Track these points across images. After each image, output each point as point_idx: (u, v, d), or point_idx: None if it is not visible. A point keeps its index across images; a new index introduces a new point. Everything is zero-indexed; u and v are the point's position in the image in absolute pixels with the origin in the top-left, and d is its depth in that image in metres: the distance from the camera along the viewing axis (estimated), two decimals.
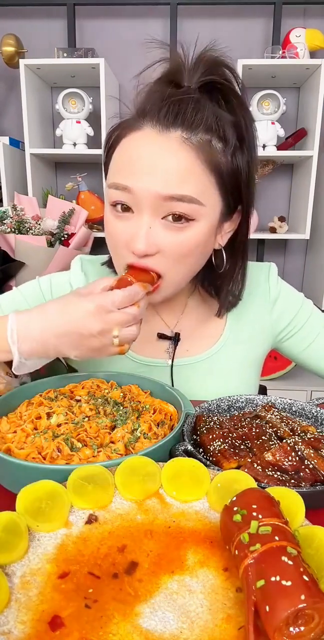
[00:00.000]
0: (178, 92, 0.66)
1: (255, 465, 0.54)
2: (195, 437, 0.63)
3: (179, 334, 0.86)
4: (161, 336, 0.86)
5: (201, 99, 0.66)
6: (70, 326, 0.61)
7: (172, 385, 0.85)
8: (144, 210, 0.65)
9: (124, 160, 0.66)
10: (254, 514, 0.38)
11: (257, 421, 0.65)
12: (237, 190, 0.70)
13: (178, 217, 0.65)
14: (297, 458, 0.55)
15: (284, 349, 0.93)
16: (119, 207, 0.67)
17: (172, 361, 0.86)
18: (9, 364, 0.73)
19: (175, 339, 0.86)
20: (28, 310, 0.65)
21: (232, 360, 0.87)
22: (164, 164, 0.63)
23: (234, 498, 0.41)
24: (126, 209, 0.67)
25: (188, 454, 0.56)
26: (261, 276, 0.89)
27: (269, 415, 0.66)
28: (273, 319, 0.89)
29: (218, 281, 0.80)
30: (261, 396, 0.75)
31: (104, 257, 0.90)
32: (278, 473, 0.53)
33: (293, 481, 0.52)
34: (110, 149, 0.71)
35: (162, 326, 0.87)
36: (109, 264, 0.88)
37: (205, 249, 0.71)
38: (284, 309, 0.89)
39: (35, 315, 0.63)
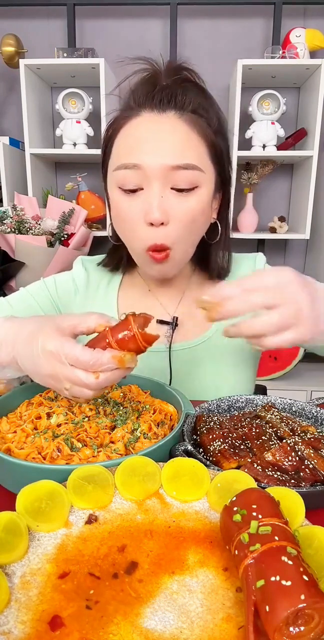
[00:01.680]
0: (165, 84, 0.74)
1: (255, 465, 0.54)
2: (195, 437, 0.63)
3: (177, 317, 0.89)
4: (160, 322, 0.89)
5: (185, 87, 0.75)
6: (31, 357, 0.57)
7: (170, 370, 0.88)
8: (153, 182, 0.72)
9: (128, 143, 0.74)
10: (254, 514, 0.38)
11: (257, 421, 0.65)
12: (223, 164, 0.79)
13: (185, 186, 0.73)
14: (297, 458, 0.55)
15: None
16: (129, 186, 0.73)
17: (170, 346, 0.88)
18: None
19: (173, 323, 0.89)
20: (13, 320, 0.63)
21: (228, 346, 0.89)
22: (166, 138, 0.72)
23: (234, 498, 0.41)
24: (134, 190, 0.74)
25: (188, 454, 0.56)
26: (249, 265, 0.94)
27: (269, 415, 0.66)
28: None
29: (209, 251, 0.88)
30: (261, 396, 0.75)
31: (101, 257, 0.96)
32: (278, 473, 0.53)
33: (293, 481, 0.52)
34: (109, 141, 0.78)
35: (161, 312, 0.90)
36: (106, 263, 0.94)
37: (206, 217, 0.79)
38: None
39: (16, 328, 0.61)
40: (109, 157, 0.78)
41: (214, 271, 0.89)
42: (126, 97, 0.77)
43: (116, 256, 0.92)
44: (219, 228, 0.84)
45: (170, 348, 0.88)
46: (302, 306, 0.54)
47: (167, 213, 0.72)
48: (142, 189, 0.73)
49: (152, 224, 0.72)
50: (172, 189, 0.73)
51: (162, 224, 0.72)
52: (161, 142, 0.71)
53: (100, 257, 0.97)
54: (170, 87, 0.73)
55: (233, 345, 0.90)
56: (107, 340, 0.54)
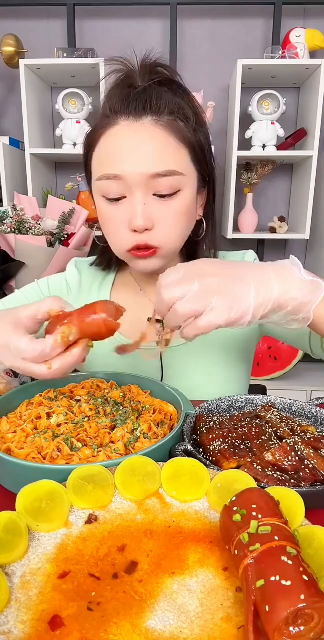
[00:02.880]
0: (140, 88, 0.74)
1: (255, 465, 0.54)
2: (195, 437, 0.63)
3: None
4: (151, 319, 0.88)
5: (160, 90, 0.75)
6: (2, 347, 0.58)
7: (162, 368, 0.88)
8: (136, 191, 0.73)
9: (108, 154, 0.74)
10: (254, 514, 0.38)
11: (257, 421, 0.65)
12: (205, 162, 0.80)
13: (166, 192, 0.73)
14: (297, 458, 0.55)
15: (269, 326, 0.93)
16: (112, 196, 0.74)
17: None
18: None
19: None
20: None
21: (218, 342, 0.90)
22: (144, 147, 0.72)
23: (234, 498, 0.41)
24: (117, 199, 0.75)
25: (188, 454, 0.56)
26: (237, 260, 0.94)
27: (269, 415, 0.66)
28: None
29: (196, 248, 0.88)
30: (261, 396, 0.75)
31: (94, 258, 0.98)
32: (278, 473, 0.53)
33: (293, 481, 0.52)
34: (89, 150, 0.79)
35: (153, 311, 0.89)
36: (98, 262, 0.96)
37: (191, 216, 0.80)
38: None
39: None
40: (91, 165, 0.79)
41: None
42: (104, 103, 0.77)
43: (106, 256, 0.94)
44: (204, 225, 0.85)
45: None
46: (210, 291, 0.52)
47: (151, 219, 0.74)
48: (125, 197, 0.74)
49: (136, 231, 0.74)
50: (154, 195, 0.74)
51: (147, 229, 0.74)
52: (139, 151, 0.72)
53: (94, 258, 0.98)
54: (145, 92, 0.73)
55: (224, 343, 0.90)
56: (72, 323, 0.54)
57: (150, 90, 0.74)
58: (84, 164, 0.82)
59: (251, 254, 0.96)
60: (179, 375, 0.88)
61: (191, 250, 0.89)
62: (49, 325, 0.57)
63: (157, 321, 0.89)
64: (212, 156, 0.82)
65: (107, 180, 0.74)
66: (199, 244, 0.88)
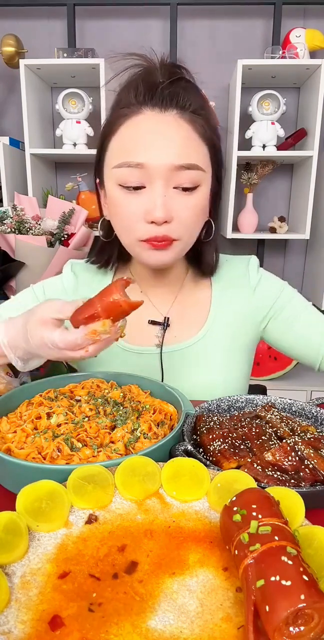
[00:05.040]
0: (167, 82, 0.73)
1: (255, 465, 0.54)
2: (195, 437, 0.63)
3: (168, 318, 0.89)
4: (152, 322, 0.89)
5: (186, 86, 0.75)
6: (37, 347, 0.63)
7: (162, 372, 0.88)
8: (157, 181, 0.72)
9: (130, 141, 0.73)
10: (254, 514, 0.38)
11: (257, 421, 0.65)
12: (219, 163, 0.80)
13: (188, 186, 0.73)
14: (297, 458, 0.55)
15: (269, 334, 0.94)
16: (131, 184, 0.73)
17: (161, 348, 0.88)
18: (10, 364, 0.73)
19: (165, 324, 0.88)
20: (12, 320, 0.68)
21: (218, 347, 0.89)
22: (170, 137, 0.72)
23: (234, 498, 0.41)
24: (136, 187, 0.73)
25: (188, 454, 0.56)
26: (242, 266, 0.93)
27: (269, 415, 0.66)
28: (254, 304, 0.91)
29: (201, 250, 0.88)
30: (261, 396, 0.75)
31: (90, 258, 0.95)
32: (278, 473, 0.53)
33: (293, 481, 0.52)
34: (107, 136, 0.77)
35: (153, 313, 0.90)
36: (94, 260, 0.93)
37: (205, 215, 0.80)
38: (265, 294, 0.91)
39: (18, 326, 0.66)
40: (106, 152, 0.77)
41: (207, 269, 0.90)
42: (123, 93, 0.76)
43: (105, 254, 0.91)
44: (213, 226, 0.84)
45: (161, 348, 0.88)
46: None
47: (170, 211, 0.73)
48: (144, 187, 0.73)
49: (153, 222, 0.73)
50: (175, 187, 0.73)
51: (165, 222, 0.73)
52: (165, 141, 0.71)
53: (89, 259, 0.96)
54: (172, 86, 0.73)
55: (224, 346, 0.90)
56: (96, 309, 0.57)
57: (176, 86, 0.73)
58: (97, 152, 0.80)
59: (254, 260, 0.94)
60: (178, 380, 0.87)
61: (195, 252, 0.88)
62: (74, 315, 0.59)
63: (156, 323, 0.89)
64: (223, 163, 0.82)
65: (127, 168, 0.72)
66: (205, 246, 0.87)
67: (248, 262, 0.94)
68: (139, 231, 0.75)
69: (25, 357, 0.67)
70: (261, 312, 0.91)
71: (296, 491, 0.45)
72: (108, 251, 0.90)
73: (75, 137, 2.10)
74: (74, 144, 2.13)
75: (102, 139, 0.79)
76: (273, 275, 0.95)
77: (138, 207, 0.74)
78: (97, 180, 0.84)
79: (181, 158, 0.71)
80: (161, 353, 0.88)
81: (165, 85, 0.73)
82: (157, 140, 0.71)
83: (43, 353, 0.63)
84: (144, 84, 0.74)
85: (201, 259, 0.89)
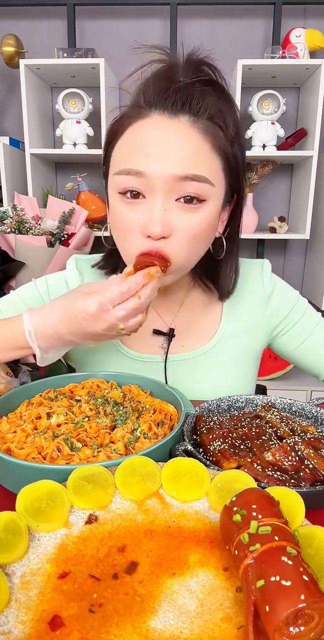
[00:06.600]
0: (181, 83, 0.68)
1: (255, 465, 0.54)
2: (195, 437, 0.63)
3: (173, 329, 0.87)
4: (156, 332, 0.87)
5: (203, 90, 0.68)
6: (77, 325, 0.64)
7: (166, 382, 0.85)
8: (157, 193, 0.66)
9: (134, 147, 0.67)
10: (254, 514, 0.38)
11: (257, 421, 0.65)
12: (236, 176, 0.73)
13: (191, 199, 0.67)
14: (297, 458, 0.55)
15: (278, 345, 0.93)
16: (128, 194, 0.68)
17: (166, 357, 0.86)
18: (9, 363, 0.73)
19: (169, 334, 0.86)
20: (39, 309, 0.68)
21: (228, 357, 0.87)
22: (176, 146, 0.65)
23: (234, 498, 0.41)
24: (136, 195, 0.68)
25: (188, 454, 0.56)
26: (255, 272, 0.90)
27: (269, 415, 0.66)
28: (267, 314, 0.89)
29: (217, 268, 0.83)
30: (261, 396, 0.75)
31: (96, 257, 0.91)
32: (278, 473, 0.53)
33: (293, 481, 0.52)
34: (112, 139, 0.72)
35: (159, 322, 0.88)
36: (102, 265, 0.89)
37: (212, 232, 0.73)
38: (279, 305, 0.89)
39: (47, 313, 0.67)
40: (111, 156, 0.72)
41: (220, 292, 0.84)
42: (135, 93, 0.70)
43: (113, 260, 0.86)
44: (224, 245, 0.77)
45: (166, 360, 0.86)
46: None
47: (169, 227, 0.66)
48: (144, 197, 0.67)
49: (149, 237, 0.67)
50: (177, 200, 0.67)
51: (163, 237, 0.67)
52: (168, 149, 0.65)
53: (94, 258, 0.91)
54: (186, 88, 0.67)
55: (233, 356, 0.88)
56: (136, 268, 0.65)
57: (192, 88, 0.67)
58: (103, 156, 0.75)
59: (267, 265, 0.90)
60: (182, 391, 0.86)
61: (211, 269, 0.83)
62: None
63: (161, 333, 0.88)
64: (244, 175, 0.75)
65: (126, 176, 0.67)
66: (219, 264, 0.81)
67: (262, 267, 0.90)
68: (135, 245, 0.68)
69: (48, 347, 0.67)
70: (273, 323, 0.90)
71: (296, 491, 0.45)
72: (116, 258, 0.84)
73: (75, 137, 2.10)
74: (74, 144, 2.13)
75: (107, 141, 0.73)
76: (286, 284, 0.92)
77: (136, 218, 0.68)
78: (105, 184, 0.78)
79: (184, 169, 0.65)
80: (165, 362, 0.86)
81: (179, 86, 0.67)
82: (161, 149, 0.65)
83: (97, 327, 0.63)
84: (157, 83, 0.68)
85: (210, 277, 0.85)
